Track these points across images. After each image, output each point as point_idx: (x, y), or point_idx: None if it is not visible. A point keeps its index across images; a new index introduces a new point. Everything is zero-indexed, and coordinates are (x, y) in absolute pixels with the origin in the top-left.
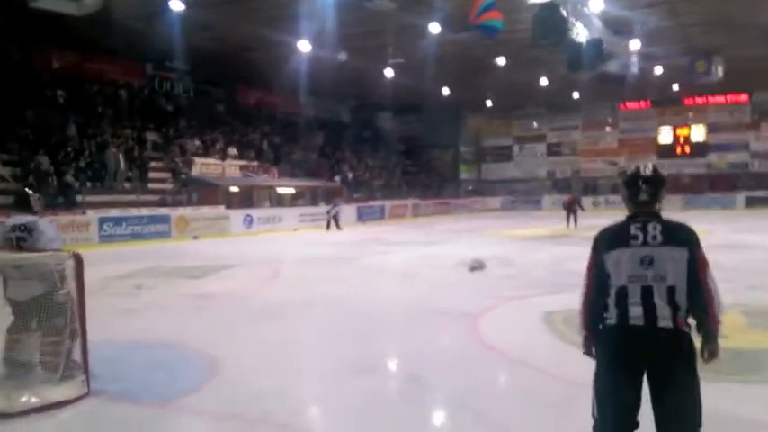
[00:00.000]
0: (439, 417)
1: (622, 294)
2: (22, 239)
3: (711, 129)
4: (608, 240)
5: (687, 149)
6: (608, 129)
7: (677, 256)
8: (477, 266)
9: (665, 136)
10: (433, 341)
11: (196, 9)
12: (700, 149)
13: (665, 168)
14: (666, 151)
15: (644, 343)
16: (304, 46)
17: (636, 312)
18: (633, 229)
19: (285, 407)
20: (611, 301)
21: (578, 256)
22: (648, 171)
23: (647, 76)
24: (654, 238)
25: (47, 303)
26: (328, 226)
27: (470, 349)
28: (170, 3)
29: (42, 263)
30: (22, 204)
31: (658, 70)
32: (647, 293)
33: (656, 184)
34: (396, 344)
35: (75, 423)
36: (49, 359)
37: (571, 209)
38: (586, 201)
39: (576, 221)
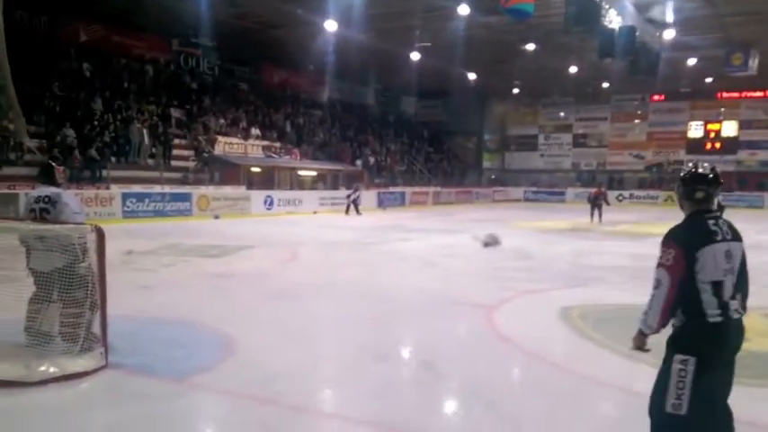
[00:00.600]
0: (451, 405)
1: (719, 289)
2: (46, 211)
3: (744, 125)
4: (697, 237)
5: (717, 145)
6: (637, 121)
7: (741, 250)
8: (490, 242)
9: (695, 130)
10: (448, 330)
11: None
12: (730, 146)
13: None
14: (695, 146)
15: (739, 336)
16: (330, 25)
17: (734, 306)
18: (711, 226)
19: (298, 389)
20: (707, 296)
21: (600, 251)
22: (709, 171)
23: (680, 67)
24: (726, 233)
25: (68, 275)
26: (347, 210)
27: (485, 340)
28: None
29: (65, 235)
30: (46, 176)
31: (692, 62)
32: (735, 287)
33: (717, 184)
34: (411, 331)
35: (92, 394)
36: (69, 330)
37: (596, 202)
38: (611, 195)
39: (600, 216)
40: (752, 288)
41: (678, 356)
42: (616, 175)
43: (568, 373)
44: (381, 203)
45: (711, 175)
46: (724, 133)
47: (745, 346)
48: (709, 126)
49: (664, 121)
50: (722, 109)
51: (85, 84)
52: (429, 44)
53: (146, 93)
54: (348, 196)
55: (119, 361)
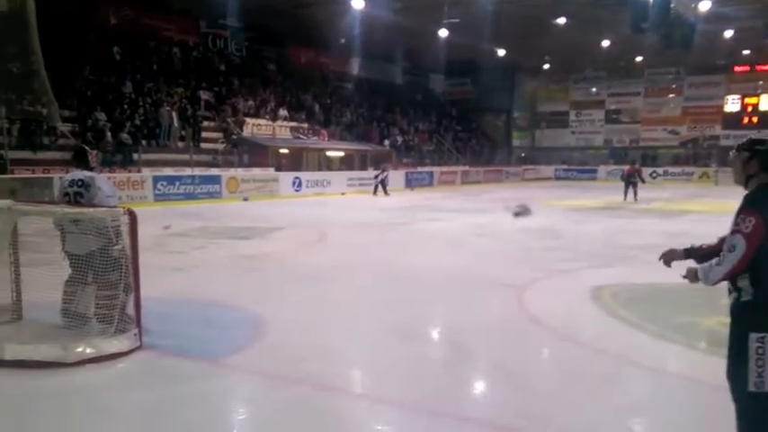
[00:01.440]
0: (480, 386)
1: None
2: (80, 195)
3: None
4: None
5: (755, 119)
6: (671, 95)
7: None
8: (521, 212)
9: (731, 104)
10: (478, 310)
11: None
12: None
13: (730, 139)
14: (732, 121)
15: None
16: (358, 3)
17: None
18: None
19: (328, 369)
20: None
21: (633, 230)
22: None
23: (716, 39)
24: None
25: (103, 258)
26: (375, 191)
27: (515, 320)
28: None
29: (99, 218)
30: (80, 160)
31: (728, 33)
32: None
33: None
34: (440, 311)
35: (128, 374)
36: (104, 312)
37: (630, 180)
38: (644, 172)
39: (636, 194)
40: None
41: (753, 335)
42: (650, 151)
43: (599, 353)
44: (409, 183)
45: None
46: (762, 107)
47: None
48: (747, 100)
49: (699, 95)
50: (760, 82)
51: (115, 67)
52: (457, 20)
53: (174, 75)
54: (376, 176)
55: (153, 342)
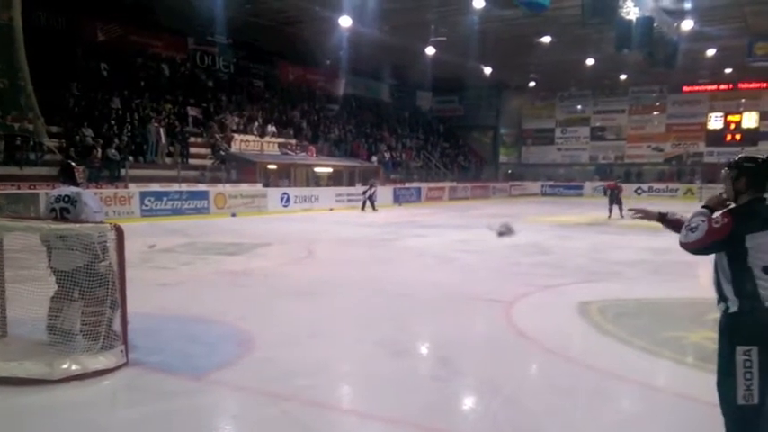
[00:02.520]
0: (469, 401)
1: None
2: (66, 210)
3: (765, 116)
4: (759, 220)
5: (738, 137)
6: (655, 113)
7: None
8: (504, 231)
9: (714, 122)
10: (466, 326)
11: None
12: (751, 137)
13: (714, 156)
14: (715, 138)
15: None
16: (345, 21)
17: None
18: None
19: (316, 385)
20: (762, 281)
21: (619, 246)
22: None
23: (699, 58)
24: None
25: (89, 274)
26: (363, 206)
27: (503, 336)
28: None
29: (85, 234)
30: (66, 175)
31: (711, 52)
32: None
33: None
34: (429, 327)
35: (114, 391)
36: (90, 329)
37: (615, 196)
38: (629, 188)
39: (621, 210)
40: None
41: (740, 348)
42: (635, 168)
43: (587, 369)
44: (397, 199)
45: None
46: (744, 124)
47: None
48: (730, 117)
49: (683, 112)
50: (742, 100)
51: (103, 83)
52: (444, 38)
53: (162, 91)
54: (364, 192)
55: (139, 358)
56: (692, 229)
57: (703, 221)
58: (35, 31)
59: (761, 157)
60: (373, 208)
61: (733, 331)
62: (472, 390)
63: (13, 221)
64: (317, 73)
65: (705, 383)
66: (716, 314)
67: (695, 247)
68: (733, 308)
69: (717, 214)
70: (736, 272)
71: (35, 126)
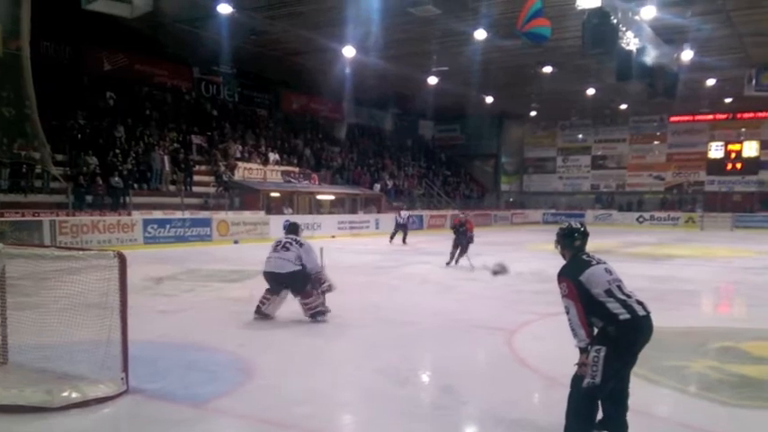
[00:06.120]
0: (471, 429)
1: (612, 294)
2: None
3: (765, 145)
4: (578, 268)
5: (738, 166)
6: (656, 142)
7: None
8: (499, 270)
9: (715, 151)
10: (468, 354)
11: (243, 13)
12: (751, 166)
13: (715, 185)
14: (716, 167)
15: (649, 329)
16: (349, 51)
17: (633, 304)
18: (585, 258)
19: (318, 413)
20: (611, 303)
21: (620, 273)
22: (580, 225)
23: (699, 88)
24: (599, 260)
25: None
26: (393, 237)
27: (505, 364)
28: (218, 7)
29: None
30: (292, 230)
31: (711, 82)
32: (624, 292)
33: (587, 235)
34: (431, 355)
35: (114, 419)
36: (90, 356)
37: (462, 236)
38: (631, 216)
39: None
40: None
41: (594, 347)
42: (635, 196)
43: None
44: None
45: (582, 229)
46: (745, 153)
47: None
48: (730, 147)
49: (683, 142)
50: (743, 129)
51: (108, 112)
52: (446, 68)
53: (167, 120)
54: (398, 220)
55: (139, 386)
56: (573, 329)
57: (565, 303)
58: (42, 60)
59: (564, 226)
60: (404, 240)
61: (595, 337)
62: (475, 419)
63: (16, 249)
64: (321, 102)
65: (707, 413)
66: (718, 344)
67: (584, 320)
68: (599, 326)
69: (559, 285)
70: (591, 305)
71: (42, 154)
